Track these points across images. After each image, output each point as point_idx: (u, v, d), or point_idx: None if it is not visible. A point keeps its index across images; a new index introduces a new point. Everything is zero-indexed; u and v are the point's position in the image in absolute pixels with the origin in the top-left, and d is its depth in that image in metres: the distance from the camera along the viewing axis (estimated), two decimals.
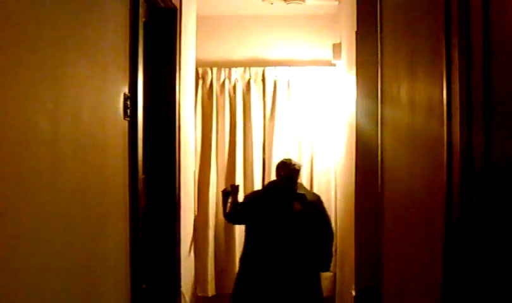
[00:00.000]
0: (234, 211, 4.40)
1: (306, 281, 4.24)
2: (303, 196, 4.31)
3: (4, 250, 1.30)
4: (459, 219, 1.44)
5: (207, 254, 5.12)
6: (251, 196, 4.56)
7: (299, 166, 4.40)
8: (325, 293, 5.35)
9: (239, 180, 5.18)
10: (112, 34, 2.19)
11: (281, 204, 4.27)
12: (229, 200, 4.43)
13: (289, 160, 4.45)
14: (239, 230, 5.12)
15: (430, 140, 1.79)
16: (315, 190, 4.98)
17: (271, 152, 5.21)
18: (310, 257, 4.25)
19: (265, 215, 4.27)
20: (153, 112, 3.18)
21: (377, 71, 2.80)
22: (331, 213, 4.83)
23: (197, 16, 4.36)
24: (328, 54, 4.96)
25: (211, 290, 5.15)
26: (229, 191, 4.49)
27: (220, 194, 4.61)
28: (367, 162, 3.21)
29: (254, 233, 4.31)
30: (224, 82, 5.27)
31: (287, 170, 4.32)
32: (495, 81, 1.28)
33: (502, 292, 1.26)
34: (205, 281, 5.10)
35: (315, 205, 4.33)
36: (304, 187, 4.52)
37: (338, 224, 4.87)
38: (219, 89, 5.27)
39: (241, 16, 5.29)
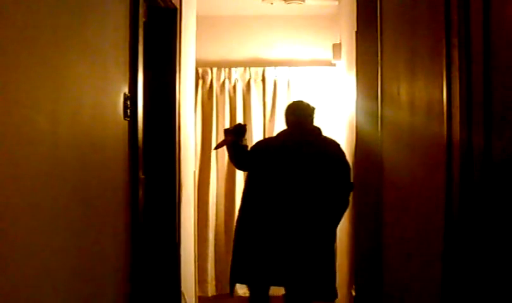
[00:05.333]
0: (241, 154, 3.86)
1: (315, 238, 3.66)
2: (311, 144, 3.73)
3: (3, 250, 1.30)
4: (459, 219, 1.44)
5: (207, 254, 5.12)
6: (262, 144, 4.07)
7: (312, 110, 3.83)
8: None
9: (239, 180, 5.18)
10: (112, 34, 2.18)
11: (286, 157, 3.71)
12: (227, 140, 3.91)
13: (300, 102, 3.92)
14: None
15: (430, 140, 1.79)
16: None
17: None
18: (318, 215, 3.65)
19: (270, 168, 3.73)
20: (153, 112, 3.18)
21: (377, 71, 2.80)
22: None
23: (197, 16, 4.36)
24: (328, 54, 4.96)
25: (211, 290, 5.16)
26: (233, 130, 3.94)
27: (223, 137, 4.02)
28: (367, 162, 3.21)
29: (256, 188, 3.77)
30: (224, 82, 5.27)
31: (296, 115, 3.82)
32: (495, 81, 1.28)
33: (502, 292, 1.26)
34: (205, 281, 5.11)
35: (326, 154, 3.70)
36: (317, 134, 3.84)
37: None
38: (219, 89, 5.28)
39: (241, 16, 5.30)
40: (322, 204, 3.66)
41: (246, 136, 3.99)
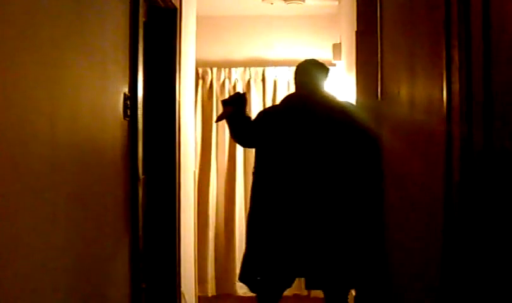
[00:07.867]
0: (245, 126, 3.29)
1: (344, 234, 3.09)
2: (326, 110, 3.20)
3: (3, 250, 1.30)
4: (458, 218, 1.44)
5: (207, 254, 5.12)
6: (268, 112, 3.49)
7: (323, 69, 3.32)
8: None
9: (239, 180, 5.18)
10: (112, 34, 2.18)
11: (301, 127, 3.17)
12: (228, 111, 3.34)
13: (313, 59, 3.38)
14: (240, 229, 5.12)
15: (430, 140, 1.79)
16: None
17: None
18: (347, 195, 3.12)
19: (281, 141, 3.18)
20: (153, 112, 3.18)
21: (377, 71, 2.80)
22: None
23: (197, 16, 4.36)
24: (328, 54, 4.96)
25: (211, 290, 5.16)
26: (233, 99, 3.39)
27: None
28: None
29: (267, 167, 3.22)
30: (224, 82, 5.27)
31: (302, 74, 3.34)
32: (495, 81, 1.28)
33: (502, 291, 1.26)
34: (205, 281, 5.11)
35: (336, 120, 3.17)
36: (331, 100, 3.31)
37: None
38: (219, 89, 5.28)
39: (241, 16, 5.30)
40: (350, 180, 3.14)
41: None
